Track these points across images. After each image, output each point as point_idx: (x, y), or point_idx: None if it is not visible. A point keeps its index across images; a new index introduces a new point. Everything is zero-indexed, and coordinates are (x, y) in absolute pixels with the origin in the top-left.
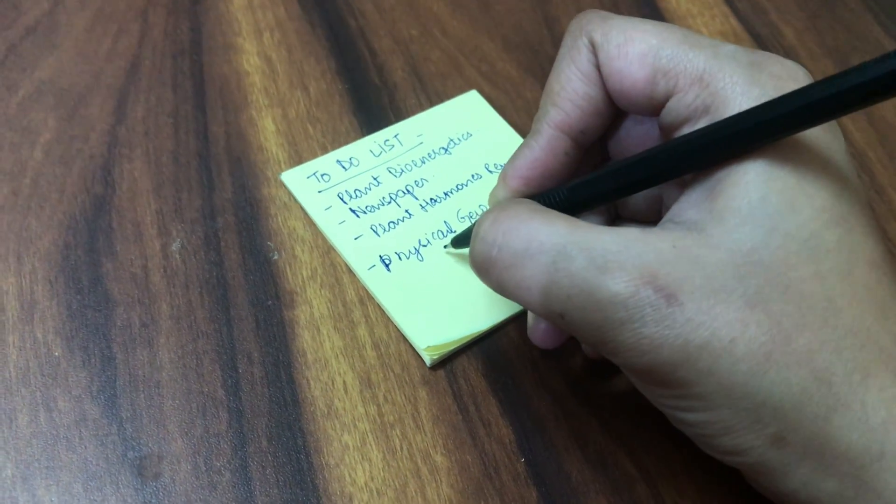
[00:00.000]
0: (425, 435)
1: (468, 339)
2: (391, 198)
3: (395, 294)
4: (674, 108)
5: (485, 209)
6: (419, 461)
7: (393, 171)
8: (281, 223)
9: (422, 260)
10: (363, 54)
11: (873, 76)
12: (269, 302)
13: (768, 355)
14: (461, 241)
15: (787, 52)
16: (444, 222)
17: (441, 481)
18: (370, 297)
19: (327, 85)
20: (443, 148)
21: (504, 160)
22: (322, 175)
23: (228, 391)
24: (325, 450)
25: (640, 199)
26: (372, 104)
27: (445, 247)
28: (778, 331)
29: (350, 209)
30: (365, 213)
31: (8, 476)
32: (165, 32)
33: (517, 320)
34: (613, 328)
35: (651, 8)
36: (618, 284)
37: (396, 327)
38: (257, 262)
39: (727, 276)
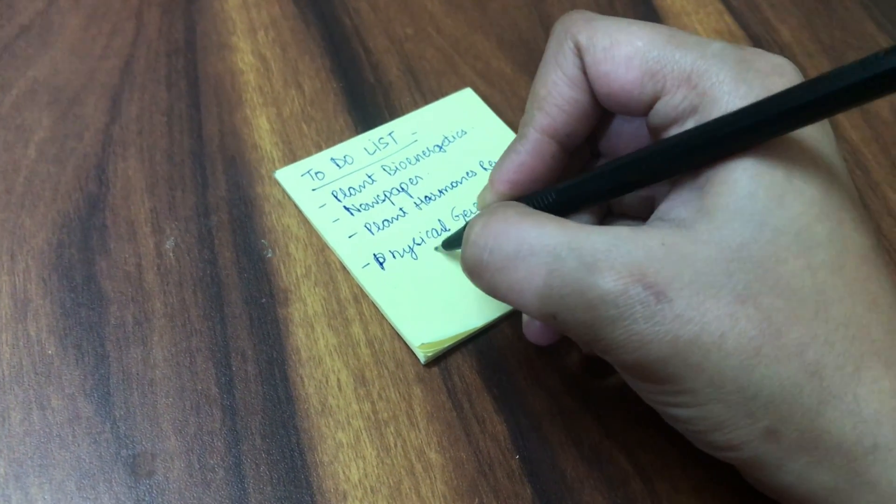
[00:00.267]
0: (419, 432)
1: (462, 336)
2: (385, 196)
3: (389, 292)
4: (662, 110)
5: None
6: (413, 458)
7: (387, 168)
8: (275, 221)
9: (416, 258)
10: (358, 53)
11: (864, 77)
12: (263, 300)
13: (758, 349)
14: (452, 242)
15: (783, 50)
16: (439, 220)
17: (435, 478)
18: (364, 295)
19: (322, 83)
20: (437, 146)
21: (498, 158)
22: (316, 173)
23: (222, 389)
24: (319, 447)
25: (631, 196)
26: (366, 102)
27: (437, 248)
28: (768, 325)
29: (344, 207)
30: (359, 211)
31: (0, 474)
32: (160, 31)
33: (511, 318)
34: (605, 326)
35: (646, 6)
36: (608, 283)
37: (390, 325)
38: (251, 259)
39: (716, 271)
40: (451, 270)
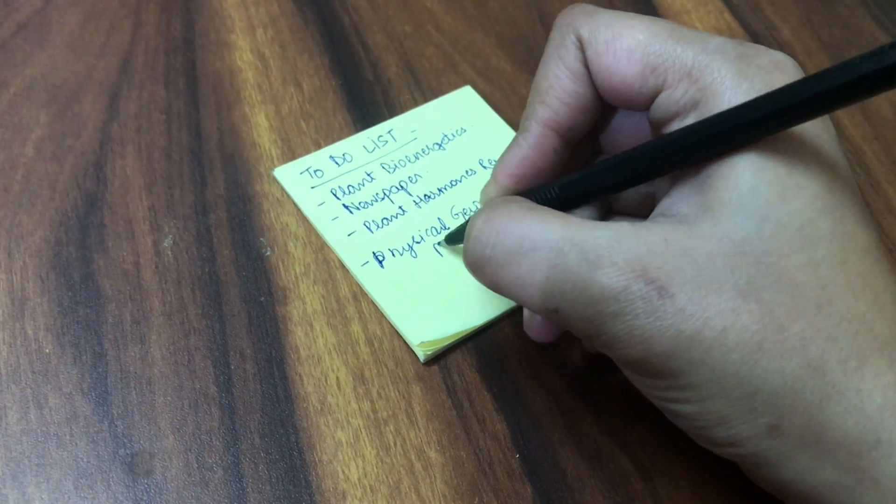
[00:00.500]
0: (419, 431)
1: (462, 334)
2: (385, 194)
3: (388, 290)
4: (663, 104)
5: (479, 206)
6: (413, 457)
7: (386, 166)
8: (274, 219)
9: (415, 256)
10: (357, 50)
11: (866, 72)
12: (262, 298)
13: (760, 344)
14: (454, 238)
15: (783, 48)
16: (438, 219)
17: (435, 477)
18: (363, 294)
19: (321, 81)
20: (437, 144)
21: (498, 156)
22: (315, 171)
23: (220, 388)
24: (318, 446)
25: (632, 193)
26: (365, 100)
27: (439, 244)
28: (770, 319)
29: (343, 205)
30: (358, 209)
31: None
32: (158, 29)
33: (511, 316)
34: (606, 321)
35: (646, 4)
36: (609, 278)
37: (390, 323)
38: (250, 258)
39: (718, 266)
40: (450, 269)
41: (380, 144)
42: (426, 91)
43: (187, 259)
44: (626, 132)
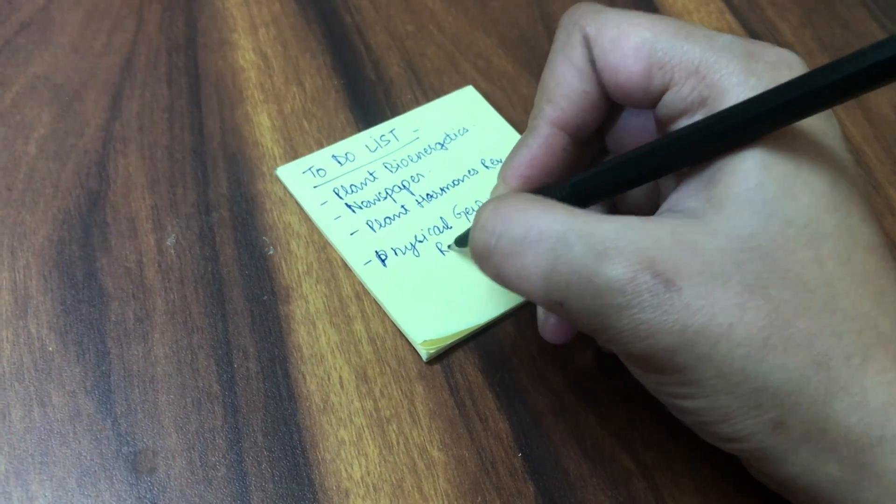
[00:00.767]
0: (422, 430)
1: (464, 333)
2: (387, 193)
3: (391, 289)
4: (670, 101)
5: (480, 204)
6: (416, 456)
7: (389, 166)
8: (276, 218)
9: (418, 255)
10: (359, 50)
11: (873, 62)
12: (265, 297)
13: (766, 340)
14: (464, 240)
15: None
16: (441, 218)
17: (438, 476)
18: (366, 293)
19: (323, 80)
20: (439, 143)
21: (500, 155)
22: (318, 170)
23: (224, 386)
24: (321, 445)
25: (638, 191)
26: (368, 100)
27: (449, 246)
28: (776, 315)
29: (346, 204)
30: (361, 208)
31: (1, 471)
32: (160, 28)
33: (514, 315)
34: (612, 314)
35: (647, 3)
36: (616, 270)
37: (392, 322)
38: (252, 257)
39: (725, 261)
40: (452, 268)
41: (382, 144)
42: (428, 91)
43: (190, 258)
44: (633, 131)
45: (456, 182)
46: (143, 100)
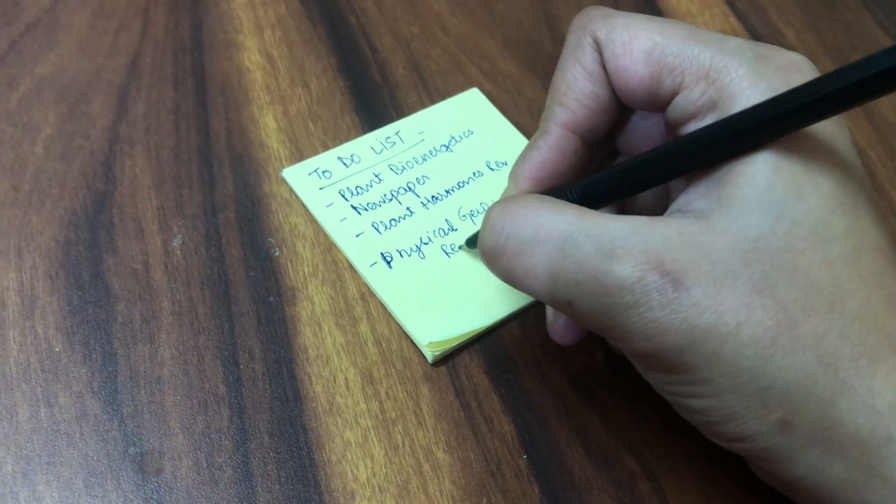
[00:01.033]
0: (427, 431)
1: (470, 335)
2: (392, 195)
3: (396, 291)
4: (680, 105)
5: (486, 207)
6: (421, 458)
7: (394, 168)
8: (282, 220)
9: (423, 257)
10: (364, 52)
11: (882, 68)
12: (271, 298)
13: (774, 339)
14: (475, 241)
15: None
16: (446, 220)
17: (443, 478)
18: (372, 294)
19: (328, 82)
20: (444, 145)
21: (505, 158)
22: (323, 172)
23: (230, 387)
24: (326, 446)
25: (647, 193)
26: (373, 102)
27: (460, 247)
28: (784, 315)
29: (351, 206)
30: (366, 210)
31: (8, 471)
32: (167, 29)
33: (519, 317)
34: (620, 313)
35: (651, 7)
36: (625, 269)
37: (398, 324)
38: (258, 258)
39: (734, 261)
40: (458, 270)
41: (387, 146)
42: (433, 93)
43: (196, 259)
44: (642, 134)
45: (461, 184)
46: (150, 101)
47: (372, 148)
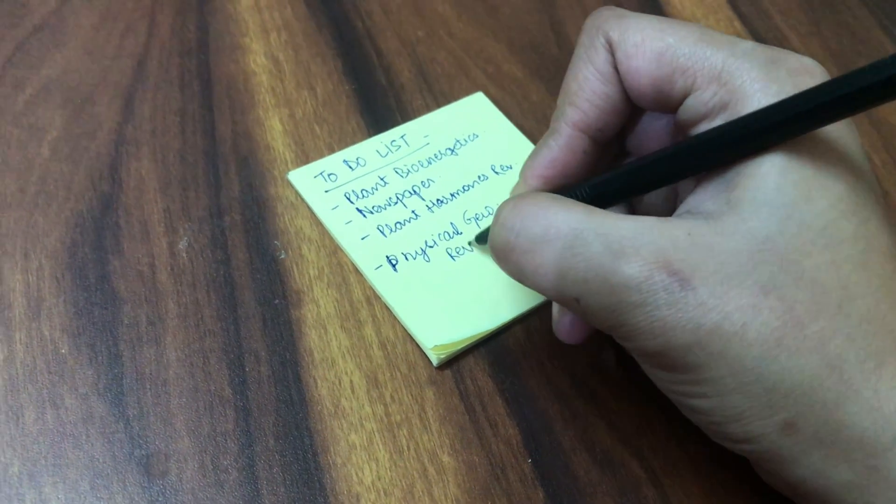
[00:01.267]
0: (432, 435)
1: (475, 338)
2: (398, 198)
3: (401, 294)
4: (692, 106)
5: (491, 211)
6: (426, 461)
7: (399, 171)
8: (288, 222)
9: (428, 261)
10: (370, 55)
11: (891, 73)
12: (276, 301)
13: (780, 340)
14: (485, 237)
15: None
16: (451, 224)
17: (448, 481)
18: (377, 297)
19: (334, 85)
20: (449, 149)
21: (510, 162)
22: (329, 175)
23: (235, 390)
24: (332, 449)
25: (655, 193)
26: (378, 105)
27: (469, 243)
28: (791, 317)
29: (357, 209)
30: (372, 213)
31: (15, 473)
32: (173, 31)
33: (524, 321)
34: (627, 311)
35: (656, 10)
36: (632, 268)
37: (403, 327)
38: (264, 261)
39: (741, 262)
40: (463, 273)
41: (393, 149)
42: (438, 96)
43: (202, 261)
44: (653, 135)
45: (466, 188)
46: (156, 103)
47: (377, 151)
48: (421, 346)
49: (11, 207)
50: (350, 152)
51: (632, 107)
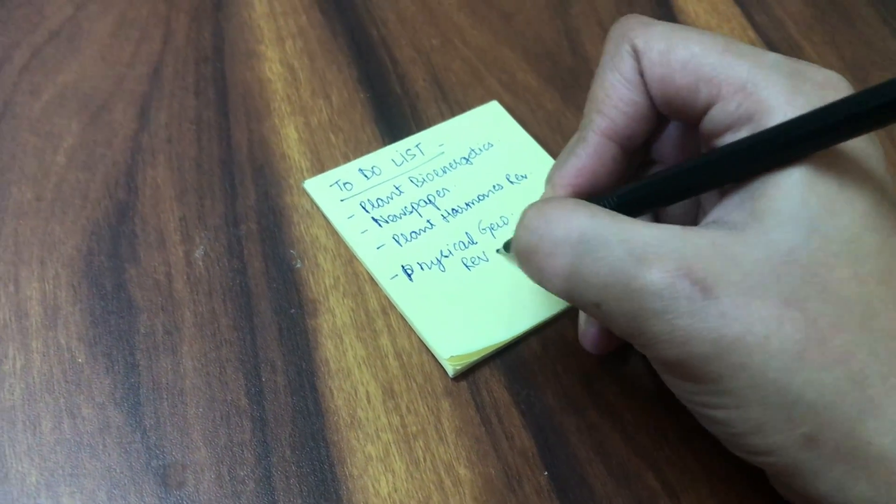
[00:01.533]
0: (448, 447)
1: (491, 349)
2: (413, 207)
3: (417, 304)
4: (716, 116)
5: (506, 220)
6: (442, 473)
7: (414, 180)
8: (304, 231)
9: (443, 270)
10: (385, 63)
11: None
12: (292, 310)
13: (802, 353)
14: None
15: None
16: (466, 233)
17: (464, 494)
18: (392, 307)
19: (349, 93)
20: (464, 158)
21: (525, 171)
22: (344, 184)
23: (252, 400)
24: (348, 460)
25: (678, 205)
26: (393, 113)
27: (498, 250)
28: (813, 330)
29: (372, 218)
30: (387, 222)
31: (32, 483)
32: (188, 38)
33: (539, 332)
34: (648, 318)
35: (670, 19)
36: (654, 275)
37: (419, 337)
38: (280, 270)
39: (764, 274)
40: (478, 283)
41: (408, 158)
42: (453, 105)
43: (218, 270)
44: (679, 143)
45: (481, 197)
46: (171, 110)
47: (392, 160)
48: (436, 356)
49: (28, 216)
50: (365, 161)
51: (658, 115)
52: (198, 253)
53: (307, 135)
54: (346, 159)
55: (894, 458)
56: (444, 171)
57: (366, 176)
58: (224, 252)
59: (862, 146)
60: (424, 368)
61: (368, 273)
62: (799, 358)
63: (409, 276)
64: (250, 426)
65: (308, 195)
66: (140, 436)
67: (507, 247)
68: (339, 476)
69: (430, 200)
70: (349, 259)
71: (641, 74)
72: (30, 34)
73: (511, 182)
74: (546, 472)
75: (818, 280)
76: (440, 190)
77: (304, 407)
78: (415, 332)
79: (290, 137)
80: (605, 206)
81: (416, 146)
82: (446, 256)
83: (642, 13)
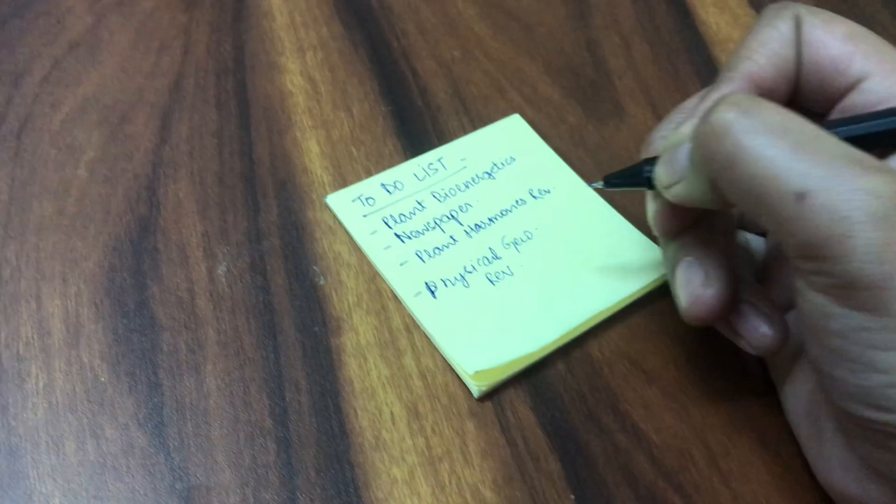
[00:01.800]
0: (474, 469)
1: (516, 364)
2: (436, 223)
3: (441, 322)
4: (869, 89)
5: (529, 235)
6: (468, 496)
7: (437, 195)
8: (326, 247)
9: (467, 286)
10: (406, 76)
11: None
12: (316, 328)
13: None
14: (617, 180)
15: None
16: (489, 248)
17: None
18: (415, 325)
19: (371, 106)
20: (486, 172)
21: (548, 186)
22: (367, 199)
23: (276, 420)
24: (373, 483)
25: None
26: (415, 126)
27: (594, 184)
28: None
29: (395, 234)
30: (410, 238)
31: None
32: (208, 50)
33: (564, 352)
34: (857, 223)
35: (691, 31)
36: (877, 179)
37: (443, 357)
38: (303, 286)
39: None
40: (502, 299)
41: (430, 172)
42: (474, 118)
43: (241, 287)
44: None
45: (504, 212)
46: (192, 123)
47: (415, 174)
48: (461, 374)
49: (49, 230)
50: (387, 175)
51: (795, 88)
52: (220, 269)
53: (329, 148)
54: (368, 173)
55: None
56: (467, 186)
57: (388, 191)
58: (247, 268)
59: None
60: (449, 389)
61: (391, 290)
62: None
63: (432, 293)
64: (275, 448)
65: (330, 210)
66: (164, 457)
67: (608, 182)
68: (365, 500)
69: (452, 216)
70: (372, 276)
71: (799, 37)
72: (49, 45)
73: (534, 197)
74: (573, 496)
75: None
76: (463, 205)
77: (328, 428)
78: (438, 352)
79: (311, 151)
80: None
81: (439, 160)
82: (470, 272)
83: (663, 25)
